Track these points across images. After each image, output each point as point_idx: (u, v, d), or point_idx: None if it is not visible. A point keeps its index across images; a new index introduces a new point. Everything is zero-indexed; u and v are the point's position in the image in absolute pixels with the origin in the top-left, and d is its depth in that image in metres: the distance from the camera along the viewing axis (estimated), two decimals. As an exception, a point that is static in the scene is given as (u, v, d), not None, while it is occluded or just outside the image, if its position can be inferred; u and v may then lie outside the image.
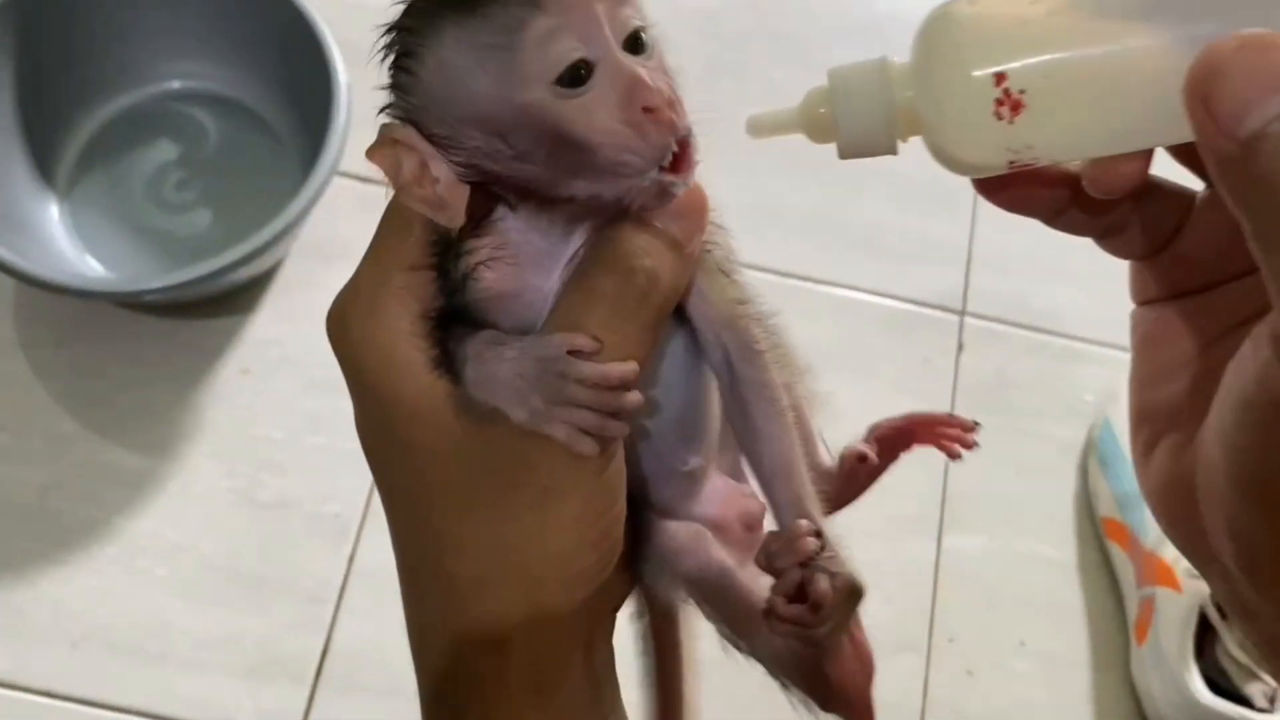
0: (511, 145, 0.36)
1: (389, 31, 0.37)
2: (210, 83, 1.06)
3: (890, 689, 0.80)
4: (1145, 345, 0.39)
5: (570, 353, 0.36)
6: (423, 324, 0.38)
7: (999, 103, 0.32)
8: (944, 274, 1.10)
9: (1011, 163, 0.33)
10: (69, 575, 0.92)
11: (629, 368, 0.36)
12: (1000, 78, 0.32)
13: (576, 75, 0.35)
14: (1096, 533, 1.01)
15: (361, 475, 0.95)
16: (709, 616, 0.45)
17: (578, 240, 0.39)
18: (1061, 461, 1.04)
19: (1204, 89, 0.28)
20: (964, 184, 0.36)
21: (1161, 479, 0.36)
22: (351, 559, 0.94)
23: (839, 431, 0.51)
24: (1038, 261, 1.09)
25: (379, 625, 0.92)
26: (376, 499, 0.95)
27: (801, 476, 0.41)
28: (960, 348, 1.07)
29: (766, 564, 0.40)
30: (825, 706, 0.43)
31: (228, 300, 1.01)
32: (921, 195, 1.09)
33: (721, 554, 0.44)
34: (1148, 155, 0.34)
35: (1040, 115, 0.32)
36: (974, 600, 0.99)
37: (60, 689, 0.89)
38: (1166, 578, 0.93)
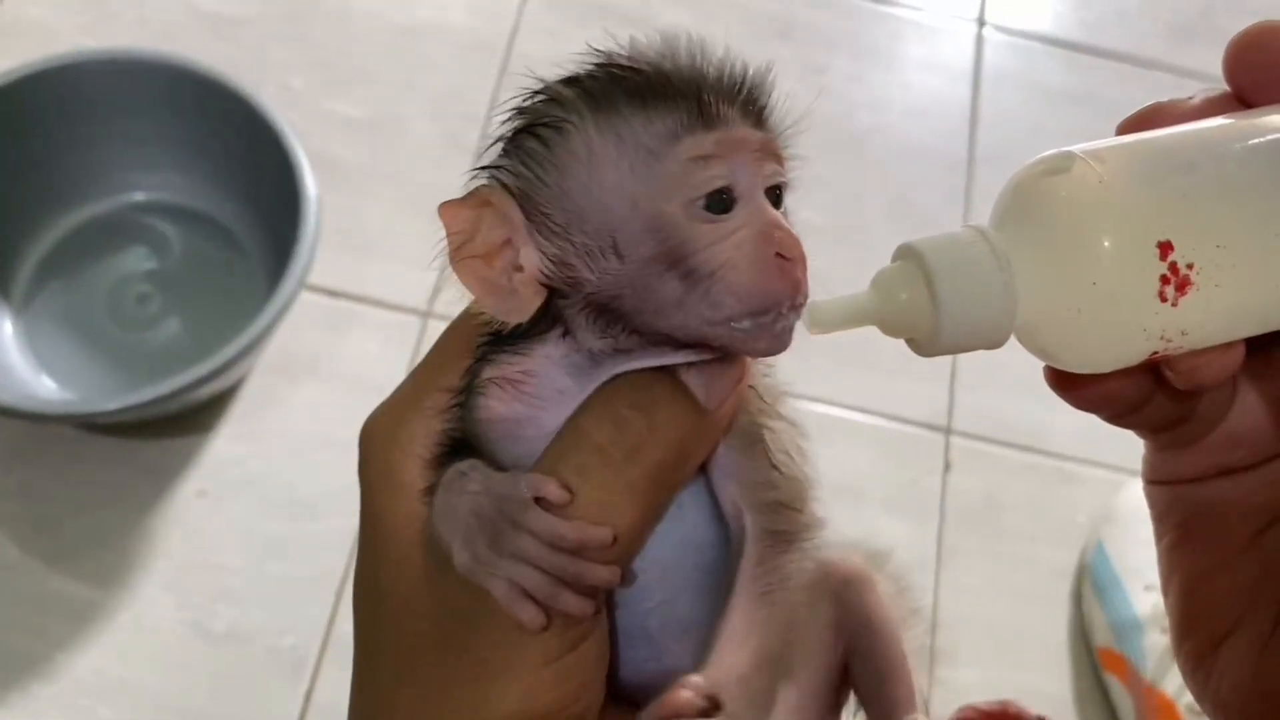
0: (621, 253, 0.33)
1: (535, 95, 0.35)
2: (175, 194, 1.04)
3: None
4: (1190, 534, 0.35)
5: (537, 500, 0.32)
6: (434, 447, 0.35)
7: (1164, 280, 0.26)
8: (929, 391, 1.08)
9: (1154, 353, 0.27)
10: (2, 716, 0.87)
11: (597, 533, 0.32)
12: (1166, 248, 0.26)
13: (720, 202, 0.33)
14: (1093, 663, 0.98)
15: (320, 604, 0.93)
16: None
17: (602, 378, 0.35)
18: (1055, 587, 1.01)
19: None
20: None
21: (1239, 676, 0.33)
22: (309, 696, 0.90)
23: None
24: (1022, 378, 1.06)
25: (337, 769, 0.87)
26: (336, 630, 0.92)
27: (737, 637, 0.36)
28: (947, 467, 1.05)
29: None
30: None
31: (187, 418, 0.97)
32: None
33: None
34: (1244, 343, 0.29)
35: (1208, 293, 0.26)
36: (969, 736, 0.94)
37: (-12, 844, 0.83)
38: (1168, 713, 0.89)
